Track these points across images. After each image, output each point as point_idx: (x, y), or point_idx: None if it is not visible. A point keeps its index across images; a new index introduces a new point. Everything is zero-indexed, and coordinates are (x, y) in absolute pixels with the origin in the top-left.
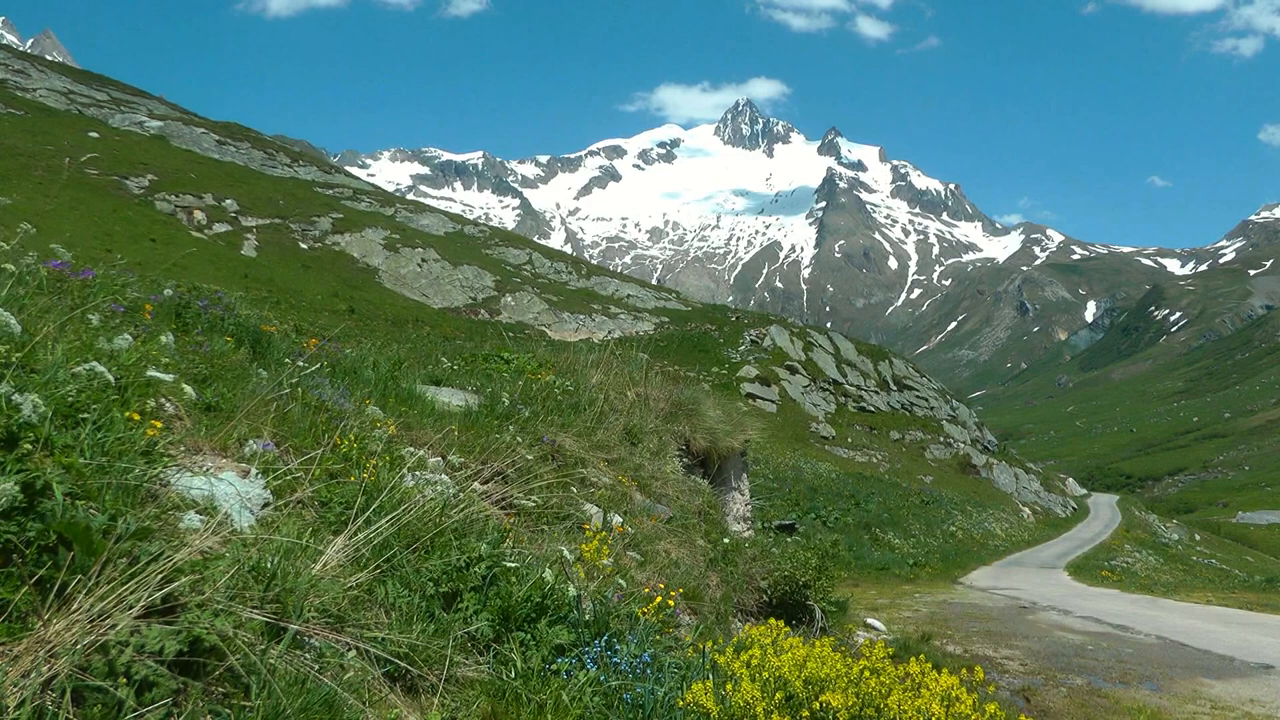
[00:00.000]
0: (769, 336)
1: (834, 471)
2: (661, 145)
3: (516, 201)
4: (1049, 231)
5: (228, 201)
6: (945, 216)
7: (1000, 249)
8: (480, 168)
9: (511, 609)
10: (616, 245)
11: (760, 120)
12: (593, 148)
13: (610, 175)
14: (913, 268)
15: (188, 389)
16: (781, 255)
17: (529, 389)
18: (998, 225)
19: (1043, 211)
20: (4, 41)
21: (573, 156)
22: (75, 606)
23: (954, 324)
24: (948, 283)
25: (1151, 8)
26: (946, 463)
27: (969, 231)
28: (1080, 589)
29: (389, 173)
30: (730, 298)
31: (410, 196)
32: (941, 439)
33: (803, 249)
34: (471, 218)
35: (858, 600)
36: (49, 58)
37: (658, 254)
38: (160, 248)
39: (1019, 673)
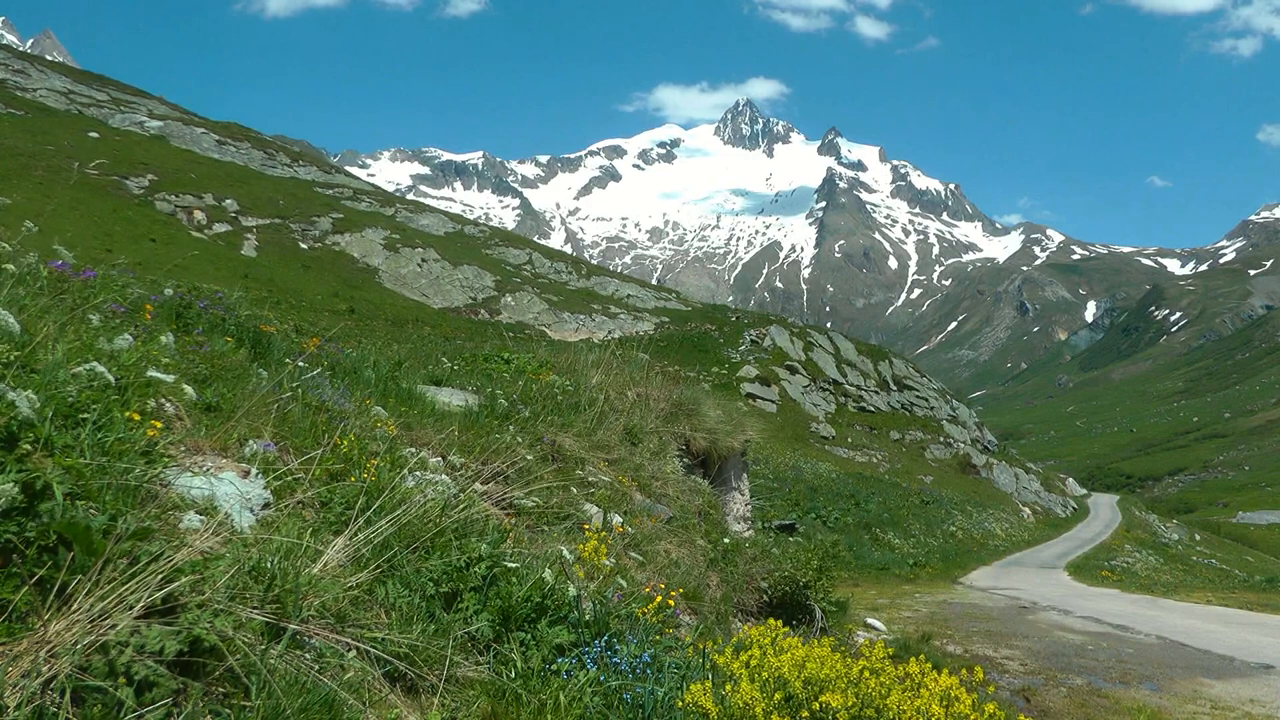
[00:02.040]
0: (769, 336)
1: (834, 471)
2: (661, 145)
3: (516, 201)
4: (1049, 231)
5: (228, 201)
6: (945, 216)
7: (1000, 249)
8: (480, 168)
9: (511, 609)
10: (616, 245)
11: (760, 120)
12: (593, 148)
13: (610, 175)
14: (913, 268)
15: (188, 389)
16: (781, 255)
17: (529, 389)
18: (998, 225)
19: (1043, 211)
20: (4, 41)
21: (573, 156)
22: (75, 606)
23: (954, 324)
24: (948, 283)
25: (1150, 8)
26: (946, 463)
27: (969, 231)
28: (1080, 589)
29: (389, 173)
30: (730, 298)
31: (410, 196)
32: (941, 439)
33: (803, 249)
34: (471, 218)
35: (858, 600)
36: (49, 58)
37: (658, 254)
38: (160, 248)
39: (1019, 673)
